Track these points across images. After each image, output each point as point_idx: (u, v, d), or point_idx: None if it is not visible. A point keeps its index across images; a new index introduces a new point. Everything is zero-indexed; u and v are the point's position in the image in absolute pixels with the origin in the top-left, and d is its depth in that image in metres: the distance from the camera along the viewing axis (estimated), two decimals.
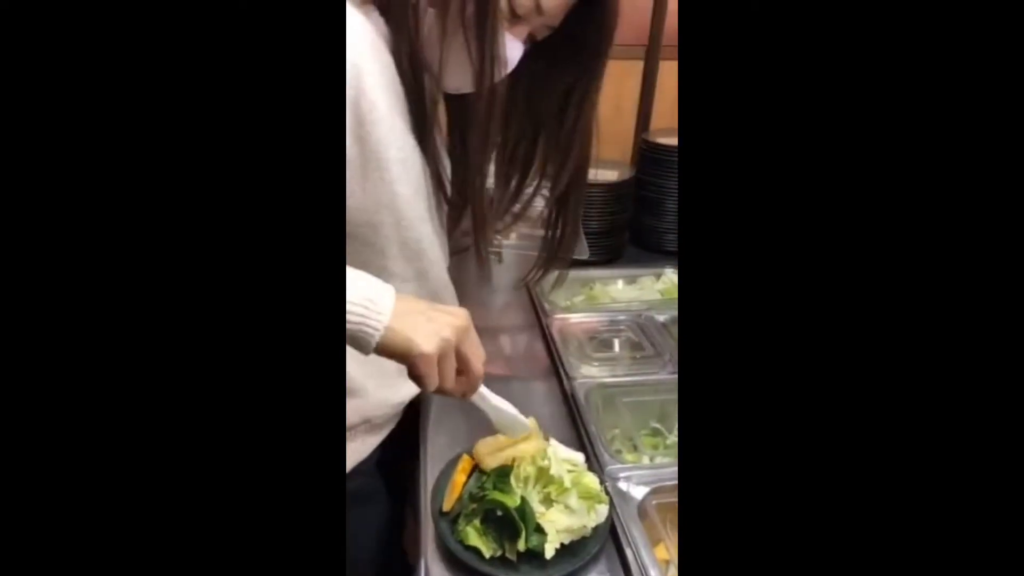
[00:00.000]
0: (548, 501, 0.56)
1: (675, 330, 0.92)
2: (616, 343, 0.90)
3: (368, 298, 0.46)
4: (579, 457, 0.60)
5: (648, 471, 0.63)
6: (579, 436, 0.69)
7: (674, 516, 0.61)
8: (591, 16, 0.56)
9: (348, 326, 0.45)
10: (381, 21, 0.55)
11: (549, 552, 0.52)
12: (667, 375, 0.80)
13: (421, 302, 0.51)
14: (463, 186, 0.62)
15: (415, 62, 0.54)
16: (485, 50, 0.52)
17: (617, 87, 1.34)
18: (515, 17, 0.54)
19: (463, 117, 0.58)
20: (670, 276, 1.08)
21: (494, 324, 0.96)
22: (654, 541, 0.57)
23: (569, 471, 0.57)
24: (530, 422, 0.59)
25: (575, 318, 0.94)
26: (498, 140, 0.62)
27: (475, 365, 0.51)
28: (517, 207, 0.68)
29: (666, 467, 0.64)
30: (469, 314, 0.52)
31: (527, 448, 0.58)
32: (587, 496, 0.56)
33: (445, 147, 0.65)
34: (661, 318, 0.93)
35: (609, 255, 1.13)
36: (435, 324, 0.48)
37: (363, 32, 0.52)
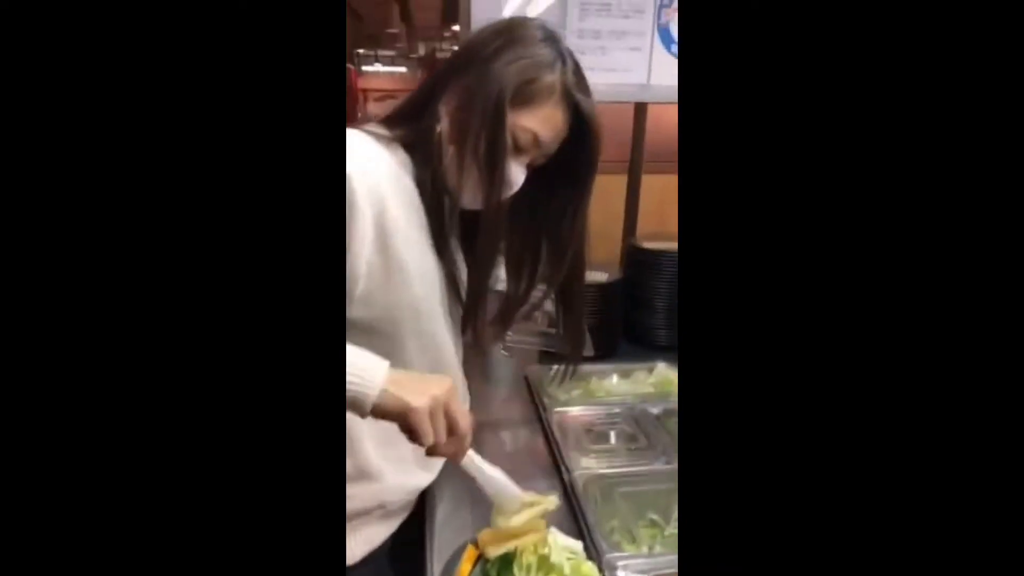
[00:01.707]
0: None
1: (668, 422, 0.96)
2: (612, 435, 0.94)
3: (363, 368, 0.54)
4: (578, 545, 0.63)
5: (645, 560, 0.66)
6: (578, 526, 0.72)
7: None
8: (580, 146, 0.69)
9: (347, 390, 0.52)
10: (403, 154, 0.68)
11: None
12: (662, 465, 0.84)
13: (411, 373, 0.60)
14: (475, 288, 0.72)
15: (437, 186, 0.68)
16: (494, 177, 0.65)
17: (605, 198, 1.47)
18: (518, 150, 0.67)
19: (475, 230, 0.69)
20: (662, 370, 1.14)
21: (496, 418, 1.00)
22: None
23: (569, 559, 0.61)
24: (535, 503, 0.63)
25: (573, 411, 0.98)
26: (501, 248, 0.73)
27: (463, 423, 0.57)
28: (527, 307, 0.78)
29: (663, 556, 0.67)
30: (452, 380, 0.59)
31: (529, 538, 0.62)
32: None
33: (460, 255, 0.76)
34: (655, 410, 0.98)
35: (603, 351, 1.19)
36: (425, 384, 0.55)
37: (385, 162, 0.65)
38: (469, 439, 0.59)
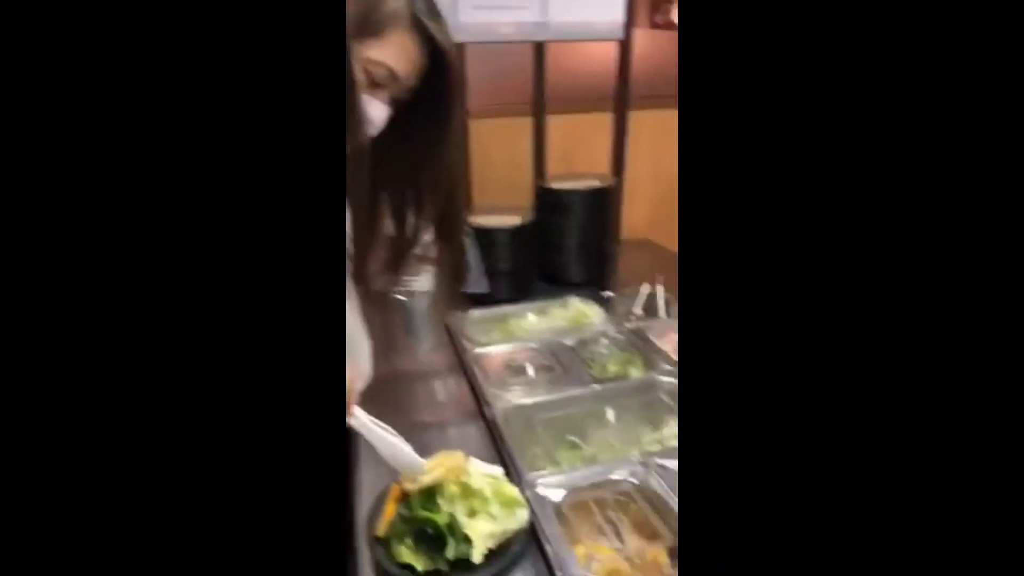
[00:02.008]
0: (473, 513, 0.61)
1: (582, 351, 1.01)
2: (530, 369, 0.98)
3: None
4: (498, 470, 0.67)
5: (562, 476, 0.70)
6: (500, 456, 0.76)
7: (588, 514, 0.68)
8: (440, 77, 0.68)
9: None
10: None
11: (477, 558, 0.58)
12: (578, 391, 0.89)
13: None
14: (355, 234, 0.71)
15: None
16: (351, 116, 0.63)
17: (512, 142, 1.47)
18: (375, 85, 0.65)
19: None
20: (575, 304, 1.18)
21: (423, 369, 1.02)
22: (572, 539, 0.64)
23: (489, 483, 0.64)
24: (443, 462, 0.64)
25: (492, 351, 1.01)
26: (366, 193, 0.71)
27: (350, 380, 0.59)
28: (418, 249, 0.78)
29: (578, 471, 0.71)
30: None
31: (449, 469, 0.64)
32: (507, 503, 0.63)
33: None
34: (569, 342, 1.02)
35: (520, 293, 1.22)
36: None
37: None
38: (352, 398, 0.60)
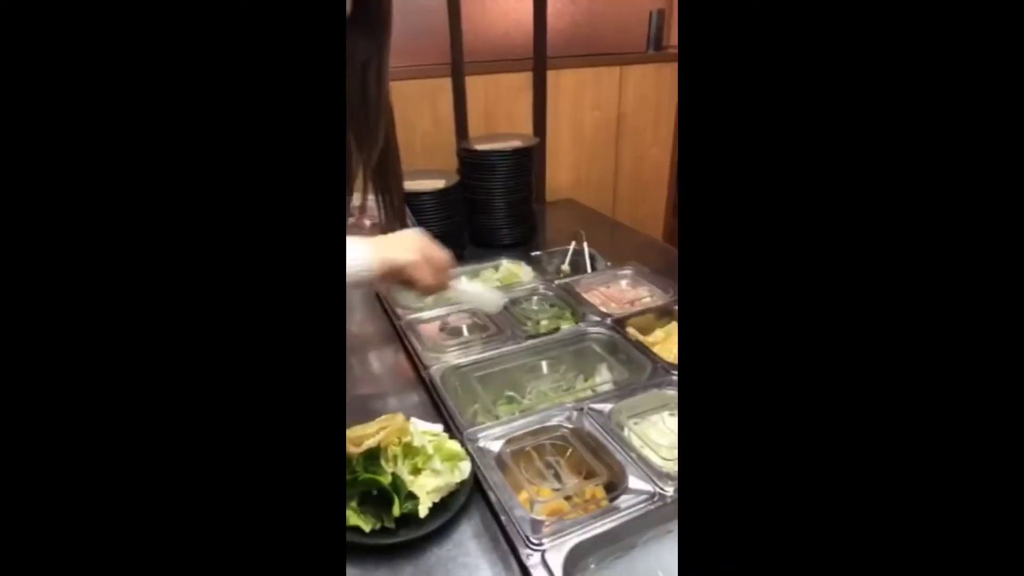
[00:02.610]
0: (416, 470, 0.63)
1: (515, 309, 1.03)
2: (465, 329, 0.99)
3: (355, 255, 0.66)
4: (438, 427, 0.68)
5: (501, 427, 0.73)
6: (440, 415, 0.77)
7: (528, 461, 0.71)
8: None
9: (349, 276, 0.65)
10: None
11: (423, 512, 0.59)
12: (511, 348, 0.91)
13: (388, 238, 0.71)
14: None
15: None
16: None
17: (432, 104, 1.45)
18: None
19: None
20: (507, 265, 1.20)
21: (358, 342, 1.00)
22: (515, 486, 0.66)
23: (430, 440, 0.65)
24: (386, 425, 0.65)
25: (426, 316, 1.01)
26: None
27: (443, 259, 0.72)
28: (355, 204, 0.77)
29: (517, 420, 0.74)
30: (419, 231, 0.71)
31: (390, 431, 0.65)
32: (450, 458, 0.64)
33: None
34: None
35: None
36: (404, 242, 0.70)
37: None
38: (452, 271, 0.73)
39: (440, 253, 0.72)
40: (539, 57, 1.45)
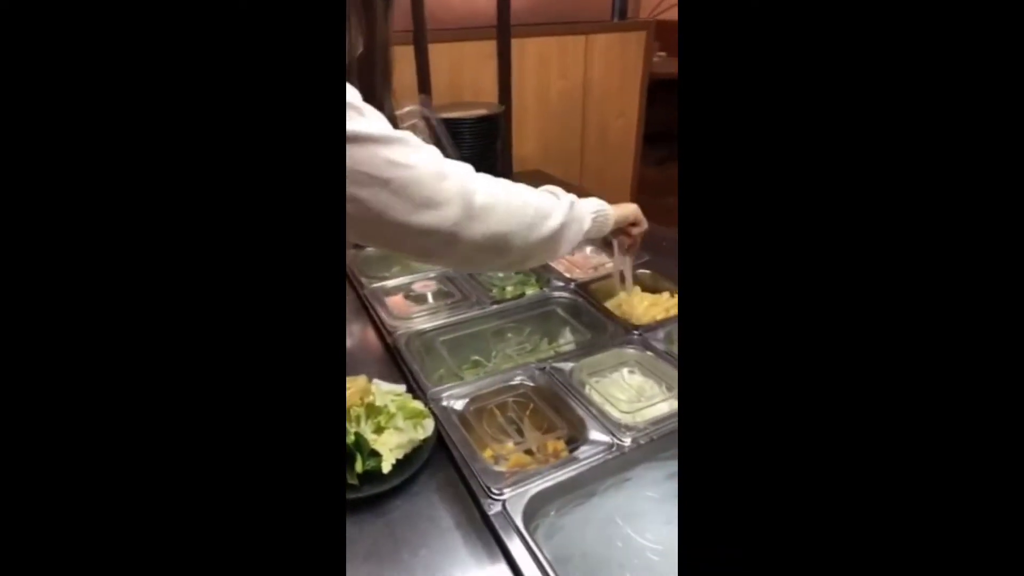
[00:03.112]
0: (379, 429, 0.63)
1: (480, 276, 1.04)
2: (429, 296, 1.00)
3: (597, 206, 0.74)
4: (401, 388, 0.69)
5: (464, 387, 0.74)
6: (406, 379, 0.78)
7: (491, 418, 0.73)
8: None
9: (595, 222, 0.73)
10: None
11: (386, 468, 0.60)
12: (476, 313, 0.92)
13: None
14: None
15: None
16: (369, 17, 0.59)
17: (396, 72, 1.42)
18: None
19: (351, 74, 0.62)
20: None
21: None
22: (478, 442, 0.68)
23: (393, 400, 0.66)
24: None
25: (390, 285, 1.01)
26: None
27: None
28: None
29: (480, 380, 0.75)
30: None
31: (352, 392, 0.65)
32: (413, 416, 0.65)
33: None
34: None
35: None
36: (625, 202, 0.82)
37: None
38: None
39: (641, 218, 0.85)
40: (503, 25, 1.43)
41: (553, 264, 1.06)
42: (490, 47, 1.48)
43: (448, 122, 1.26)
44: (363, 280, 1.02)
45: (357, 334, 0.93)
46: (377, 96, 0.70)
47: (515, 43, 1.49)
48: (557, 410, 0.71)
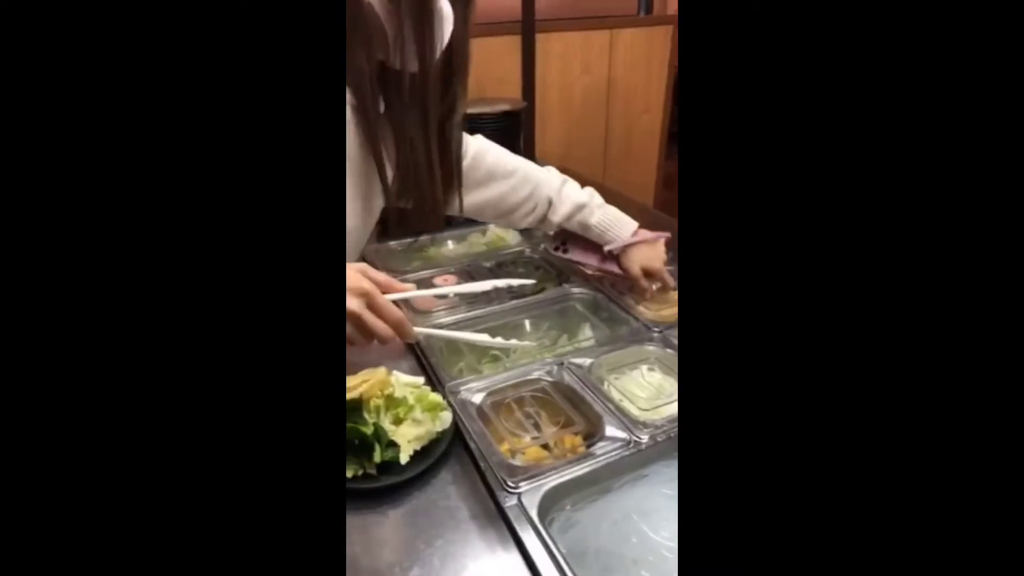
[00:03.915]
0: (398, 420, 0.64)
1: (500, 272, 1.04)
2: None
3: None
4: (419, 380, 0.70)
5: (483, 381, 0.74)
6: (425, 372, 0.79)
7: (508, 412, 0.73)
8: None
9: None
10: None
11: (404, 459, 0.61)
12: (495, 308, 0.92)
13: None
14: (413, 155, 0.67)
15: (369, 53, 0.60)
16: (425, 31, 0.59)
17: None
18: None
19: (403, 92, 0.62)
20: (494, 230, 1.21)
21: None
22: (495, 435, 0.68)
23: (412, 391, 0.67)
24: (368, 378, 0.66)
25: (411, 277, 1.02)
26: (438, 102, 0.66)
27: (391, 313, 0.61)
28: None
29: (498, 374, 0.76)
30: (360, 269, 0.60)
31: (372, 383, 0.66)
32: (431, 408, 0.66)
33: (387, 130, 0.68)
34: (487, 264, 1.05)
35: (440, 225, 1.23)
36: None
37: None
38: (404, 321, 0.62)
39: (387, 307, 0.62)
40: (527, 20, 1.43)
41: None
42: (514, 42, 1.48)
43: (470, 117, 1.26)
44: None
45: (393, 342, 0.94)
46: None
47: (539, 38, 1.48)
48: (575, 405, 0.71)
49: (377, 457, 0.61)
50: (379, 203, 0.77)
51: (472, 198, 0.86)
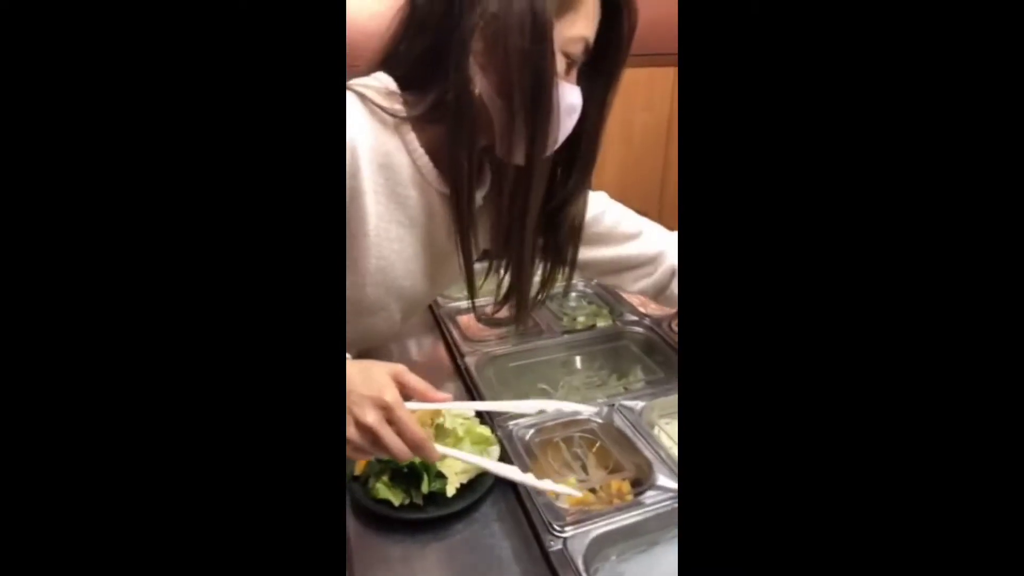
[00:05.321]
0: None
1: (550, 303, 1.04)
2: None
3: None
4: (470, 412, 0.70)
5: (532, 418, 0.73)
6: (473, 399, 0.79)
7: (556, 451, 0.72)
8: (611, 23, 0.56)
9: None
10: (406, 131, 0.58)
11: (450, 491, 0.61)
12: (545, 341, 0.92)
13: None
14: (507, 249, 0.61)
15: (472, 160, 0.55)
16: (547, 120, 0.52)
17: None
18: (569, 67, 0.53)
19: (504, 182, 0.56)
20: None
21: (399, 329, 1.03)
22: (541, 475, 0.67)
23: (462, 423, 0.67)
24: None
25: (464, 304, 1.03)
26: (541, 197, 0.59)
27: (412, 433, 0.51)
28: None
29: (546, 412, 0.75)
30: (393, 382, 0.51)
31: (423, 412, 0.67)
32: (479, 441, 0.66)
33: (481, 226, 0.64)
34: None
35: None
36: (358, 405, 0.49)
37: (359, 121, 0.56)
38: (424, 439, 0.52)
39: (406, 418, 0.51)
40: None
41: (627, 297, 1.05)
42: None
43: None
44: (439, 299, 1.05)
45: (427, 349, 0.96)
46: None
47: None
48: (624, 451, 0.70)
49: (425, 487, 0.61)
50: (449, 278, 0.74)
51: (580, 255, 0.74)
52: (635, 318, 0.97)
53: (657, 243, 0.82)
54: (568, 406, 0.63)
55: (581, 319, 1.00)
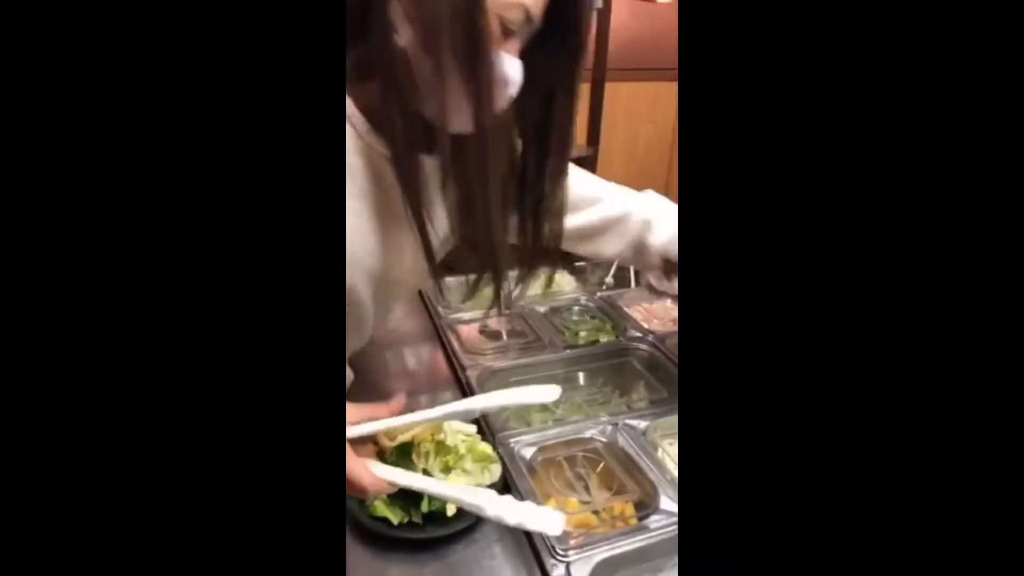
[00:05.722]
0: (447, 468, 0.63)
1: (554, 318, 1.03)
2: (504, 333, 1.00)
3: None
4: (471, 428, 0.68)
5: (534, 435, 0.72)
6: (476, 417, 0.77)
7: (558, 470, 0.71)
8: (567, 11, 0.52)
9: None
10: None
11: (451, 511, 0.60)
12: (547, 356, 0.91)
13: None
14: (470, 227, 0.57)
15: (411, 122, 0.51)
16: (484, 83, 0.48)
17: None
18: (507, 34, 0.49)
19: (461, 158, 0.52)
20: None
21: (397, 335, 1.02)
22: (543, 494, 0.66)
23: (463, 440, 0.65)
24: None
25: (467, 317, 1.02)
26: (500, 172, 0.55)
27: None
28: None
29: (549, 430, 0.74)
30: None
31: (424, 427, 0.66)
32: (481, 459, 0.64)
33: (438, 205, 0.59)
34: (541, 309, 1.04)
35: None
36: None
37: None
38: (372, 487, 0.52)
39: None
40: (599, 69, 1.45)
41: (631, 312, 1.04)
42: (582, 89, 1.49)
43: None
44: (440, 309, 1.04)
45: (428, 362, 0.95)
46: None
47: (607, 86, 1.50)
48: (627, 471, 0.69)
49: (425, 506, 0.59)
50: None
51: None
52: (639, 334, 0.96)
53: (621, 204, 0.81)
54: (525, 396, 0.57)
55: (583, 334, 0.99)
